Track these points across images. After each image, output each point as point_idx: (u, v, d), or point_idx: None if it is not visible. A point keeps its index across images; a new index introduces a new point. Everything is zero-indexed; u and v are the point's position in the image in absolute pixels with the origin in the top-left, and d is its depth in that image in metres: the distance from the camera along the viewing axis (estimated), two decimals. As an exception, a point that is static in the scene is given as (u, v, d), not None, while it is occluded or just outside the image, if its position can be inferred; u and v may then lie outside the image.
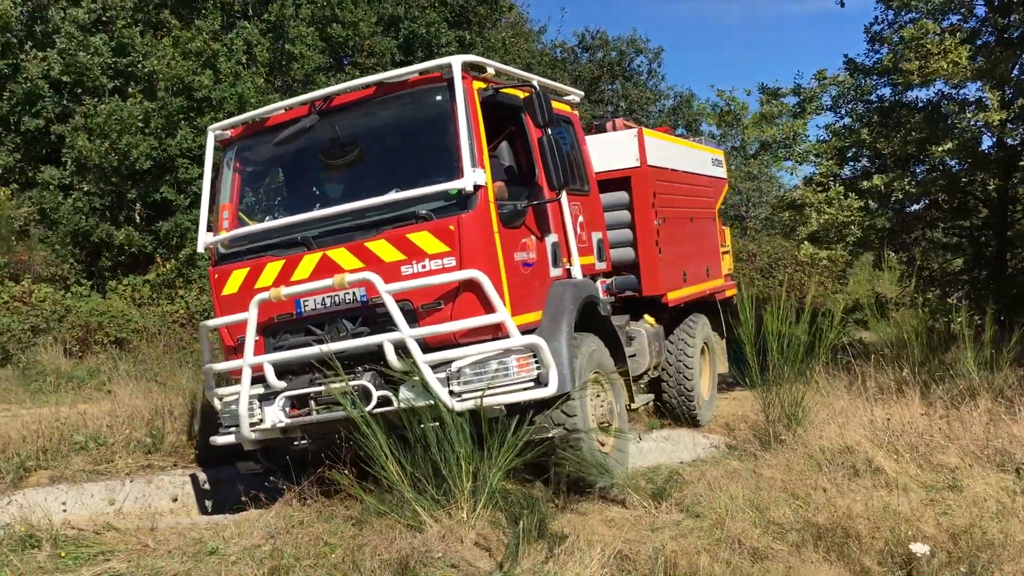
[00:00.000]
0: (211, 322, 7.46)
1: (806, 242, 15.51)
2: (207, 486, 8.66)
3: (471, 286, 6.52)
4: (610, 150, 9.56)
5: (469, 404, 6.39)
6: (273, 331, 7.11)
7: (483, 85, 7.14)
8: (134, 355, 13.56)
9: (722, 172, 12.40)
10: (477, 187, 6.62)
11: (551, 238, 7.56)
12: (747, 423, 9.58)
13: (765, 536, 5.70)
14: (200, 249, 7.66)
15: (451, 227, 6.58)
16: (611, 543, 5.74)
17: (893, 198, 13.65)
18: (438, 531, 6.03)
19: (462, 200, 6.62)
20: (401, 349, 6.53)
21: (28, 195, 16.84)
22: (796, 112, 15.64)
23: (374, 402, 6.55)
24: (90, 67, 16.61)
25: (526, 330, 6.85)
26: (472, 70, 7.16)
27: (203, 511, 8.46)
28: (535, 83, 7.61)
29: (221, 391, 7.44)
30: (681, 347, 10.43)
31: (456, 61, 6.85)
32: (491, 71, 7.31)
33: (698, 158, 11.44)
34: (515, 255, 7.00)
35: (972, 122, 12.08)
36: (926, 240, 15.63)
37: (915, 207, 14.25)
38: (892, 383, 9.95)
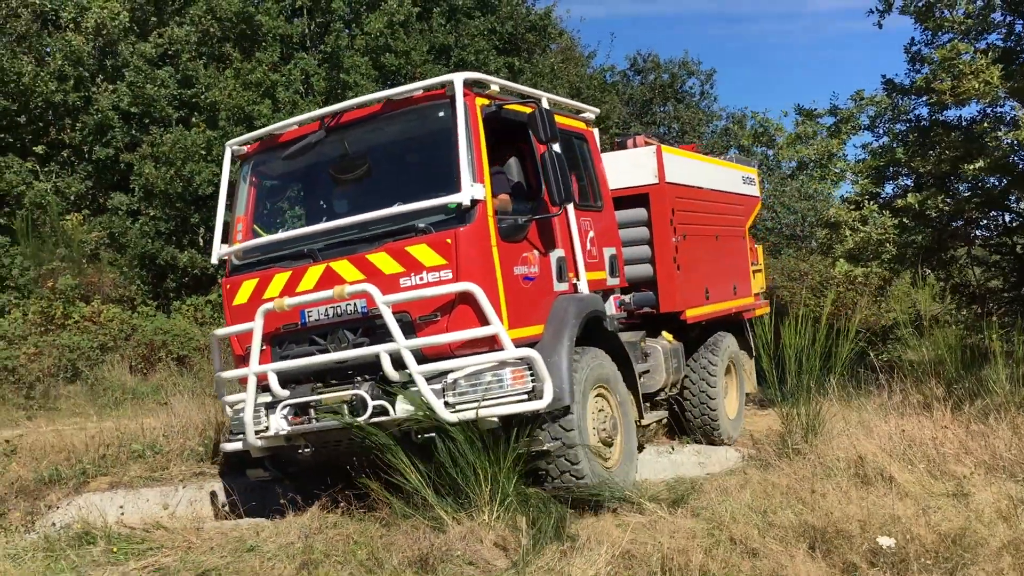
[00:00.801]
0: (221, 331, 7.80)
1: (841, 260, 15.62)
2: (253, 491, 9.17)
3: (466, 298, 6.66)
4: (629, 167, 9.65)
5: (465, 415, 6.57)
6: (279, 341, 7.34)
7: (486, 102, 7.30)
8: (194, 371, 14.25)
9: (754, 190, 12.36)
10: (475, 201, 6.79)
11: (556, 253, 7.69)
12: (774, 436, 9.84)
13: (762, 537, 6.00)
14: (214, 260, 7.95)
15: (448, 240, 6.74)
16: (619, 543, 6.10)
17: (928, 216, 13.72)
18: (459, 532, 6.44)
19: (461, 214, 6.79)
20: (397, 360, 6.69)
21: (99, 220, 17.66)
22: (832, 132, 15.79)
23: (369, 412, 6.73)
24: (157, 98, 17.44)
25: (527, 343, 6.98)
26: (476, 87, 7.35)
27: (248, 514, 8.98)
28: (544, 100, 7.78)
29: (230, 398, 7.72)
30: (704, 365, 10.39)
31: (458, 78, 7.05)
32: (495, 88, 7.49)
33: (726, 176, 11.45)
34: (515, 269, 7.12)
35: (1005, 141, 12.15)
36: (969, 258, 15.64)
37: (955, 224, 14.26)
38: (923, 399, 10.13)
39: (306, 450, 7.31)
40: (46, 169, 17.64)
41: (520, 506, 6.70)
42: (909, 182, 15.46)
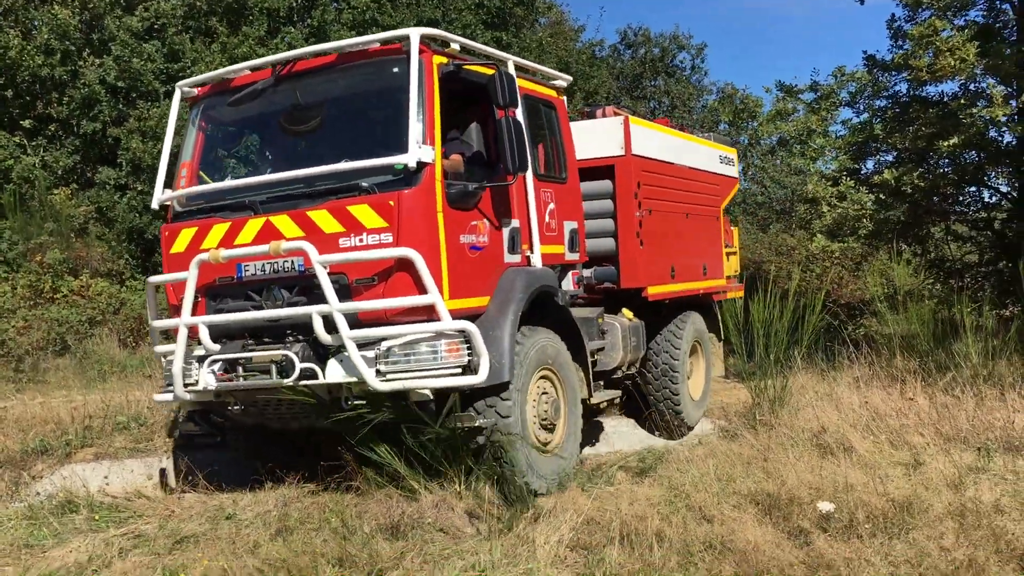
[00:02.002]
0: (155, 278, 7.59)
1: (819, 235, 15.80)
2: (238, 462, 9.36)
3: (405, 265, 6.43)
4: (597, 138, 9.35)
5: (395, 385, 6.43)
6: (215, 294, 7.11)
7: (444, 60, 7.01)
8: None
9: (732, 170, 12.06)
10: (422, 164, 6.54)
11: (511, 223, 7.47)
12: (744, 409, 10.08)
13: (719, 504, 6.23)
14: (154, 205, 7.68)
15: (391, 202, 6.49)
16: (584, 511, 6.32)
17: (904, 192, 13.88)
18: (431, 500, 6.66)
19: (407, 176, 6.54)
20: (331, 323, 6.47)
21: (87, 195, 17.75)
22: (813, 108, 15.89)
23: (296, 374, 6.55)
24: (143, 72, 17.47)
25: (470, 316, 6.80)
26: (435, 44, 7.06)
27: (229, 483, 9.18)
28: (509, 64, 7.63)
29: (160, 348, 7.54)
30: (667, 345, 10.12)
31: (415, 33, 6.75)
32: (455, 46, 7.17)
33: (700, 153, 11.15)
34: (461, 237, 6.91)
35: (979, 117, 12.30)
36: (947, 233, 15.83)
37: (932, 200, 14.43)
38: (895, 372, 10.36)
39: (236, 407, 7.17)
40: (33, 143, 17.72)
41: (487, 477, 6.80)
42: (890, 158, 15.64)
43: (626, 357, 9.19)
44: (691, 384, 10.60)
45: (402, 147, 6.52)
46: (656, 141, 9.94)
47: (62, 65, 17.61)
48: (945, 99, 14.47)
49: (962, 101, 13.23)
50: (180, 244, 7.28)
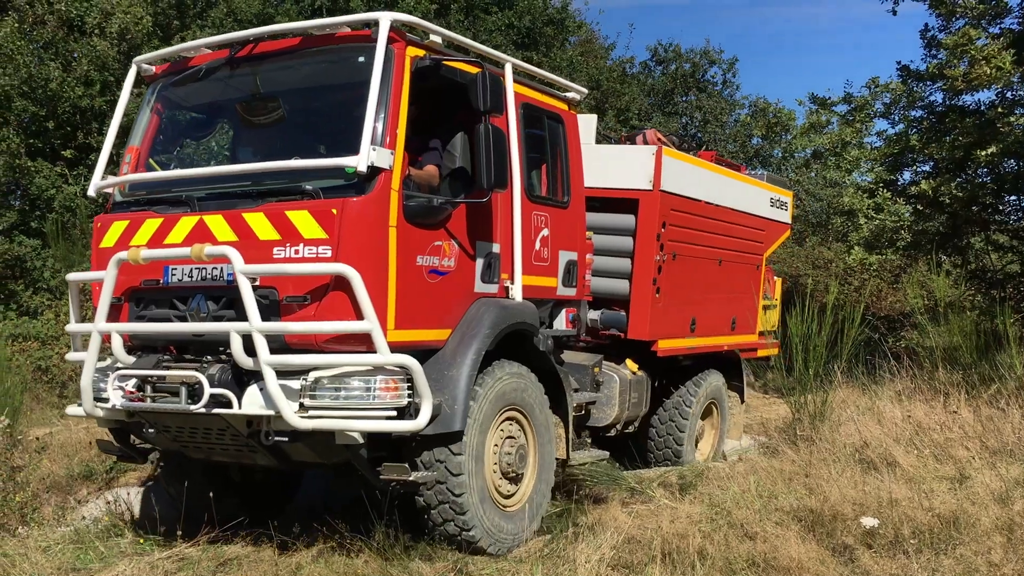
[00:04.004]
0: (75, 275, 6.83)
1: (856, 247, 15.66)
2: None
3: (342, 283, 5.54)
4: (625, 166, 8.48)
5: (318, 423, 5.58)
6: (139, 298, 6.27)
7: (421, 54, 6.13)
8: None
9: (784, 215, 10.87)
10: (376, 169, 5.68)
11: (487, 247, 6.58)
12: (785, 424, 10.01)
13: (761, 521, 6.18)
14: (90, 192, 6.89)
15: (333, 210, 5.63)
16: (624, 529, 6.30)
17: (942, 203, 13.75)
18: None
19: (358, 183, 5.69)
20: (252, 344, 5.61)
21: (127, 222, 17.99)
22: (847, 120, 15.81)
23: (204, 399, 5.65)
24: (180, 102, 17.74)
25: (424, 350, 6.01)
26: (412, 33, 6.21)
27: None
28: (508, 66, 6.88)
29: (72, 356, 6.72)
30: (677, 403, 9.18)
31: (385, 18, 5.87)
32: (436, 39, 6.30)
33: (747, 194, 10.06)
34: (419, 258, 6.01)
35: (1018, 126, 12.17)
36: (987, 243, 15.65)
37: (971, 210, 14.27)
38: (938, 385, 10.24)
39: (150, 430, 6.26)
40: (75, 173, 18.02)
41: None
42: (927, 168, 15.51)
43: (622, 414, 8.29)
44: (700, 449, 9.71)
45: (356, 148, 5.66)
46: (692, 177, 8.97)
47: (101, 95, 17.87)
48: (982, 108, 14.35)
49: (999, 109, 13.10)
50: (110, 238, 6.47)
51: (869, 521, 5.65)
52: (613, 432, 8.59)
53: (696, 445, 9.59)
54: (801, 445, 8.35)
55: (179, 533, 6.49)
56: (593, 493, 7.79)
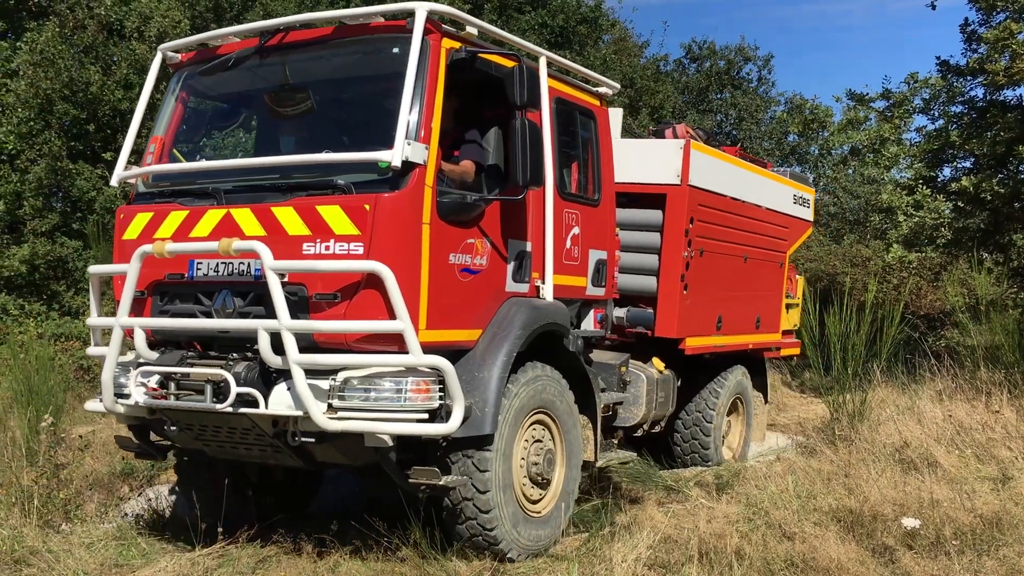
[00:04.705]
0: (96, 268, 6.62)
1: (895, 245, 15.46)
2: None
3: (374, 282, 5.38)
4: (652, 161, 8.32)
5: (347, 425, 5.42)
6: (163, 292, 6.12)
7: (457, 46, 5.96)
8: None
9: (806, 213, 10.83)
10: (410, 164, 5.50)
11: (519, 246, 6.43)
12: (822, 423, 9.93)
13: (799, 521, 6.13)
14: (113, 182, 6.69)
15: (366, 206, 5.45)
16: (661, 528, 6.28)
17: (984, 199, 13.55)
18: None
19: (392, 178, 5.51)
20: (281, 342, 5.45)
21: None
22: (885, 116, 15.63)
23: (230, 399, 5.50)
24: (217, 104, 17.93)
25: (455, 351, 5.87)
26: (449, 25, 6.05)
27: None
28: (542, 59, 6.67)
29: (92, 351, 6.54)
30: (704, 399, 9.14)
31: (421, 8, 5.67)
32: (472, 31, 6.07)
33: (771, 190, 9.99)
34: (451, 256, 5.86)
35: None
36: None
37: (1013, 206, 14.05)
38: (979, 384, 10.11)
39: (172, 428, 6.10)
40: (115, 175, 18.28)
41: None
42: (967, 165, 15.29)
43: (649, 414, 8.18)
44: (727, 444, 9.71)
45: (389, 142, 5.46)
46: (720, 173, 8.86)
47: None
48: (1020, 103, 14.13)
49: (1040, 104, 12.91)
50: (133, 230, 6.29)
51: (910, 522, 5.59)
52: (640, 432, 8.52)
53: (723, 441, 9.54)
54: (840, 445, 8.28)
55: (220, 530, 6.51)
56: (630, 492, 7.78)
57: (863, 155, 16.21)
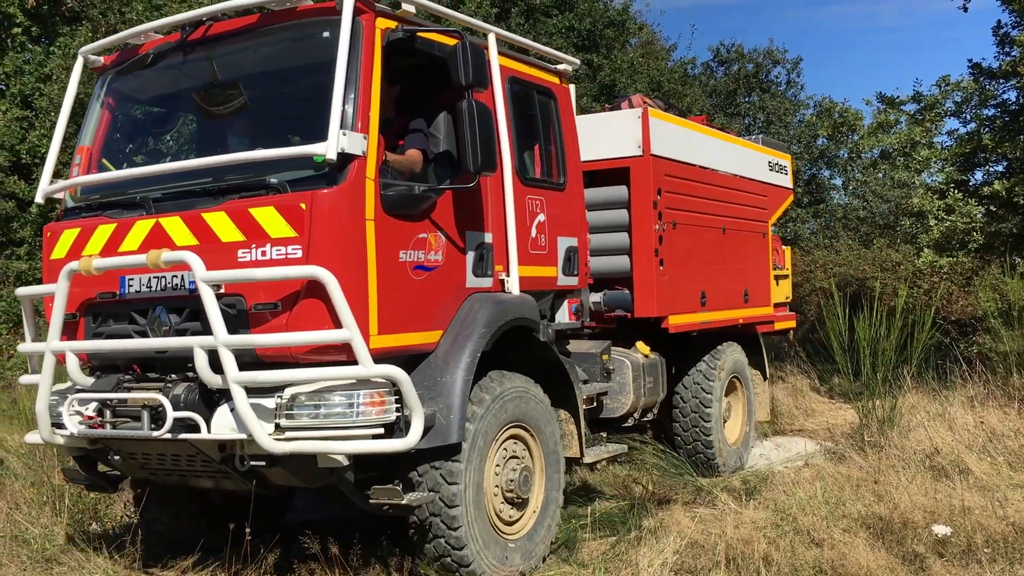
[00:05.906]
0: (24, 290, 6.07)
1: (926, 250, 15.31)
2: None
3: (316, 288, 4.95)
4: (611, 135, 7.91)
5: (295, 446, 4.95)
6: (96, 312, 5.69)
7: (393, 25, 5.53)
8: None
9: (785, 180, 10.41)
10: (348, 157, 5.06)
11: (478, 238, 6.00)
12: (851, 429, 9.82)
13: (828, 528, 6.08)
14: (38, 199, 6.18)
15: (302, 205, 5.02)
16: (688, 533, 6.25)
17: (1017, 203, 13.38)
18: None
19: (329, 172, 5.05)
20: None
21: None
22: (916, 120, 15.49)
23: (168, 424, 5.05)
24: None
25: (413, 356, 5.50)
26: (382, 3, 5.65)
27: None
28: (491, 36, 6.33)
29: (24, 379, 6.04)
30: (698, 380, 8.75)
31: None
32: (409, 8, 5.72)
33: (744, 158, 9.58)
34: (401, 253, 5.41)
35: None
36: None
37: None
38: (1012, 391, 9.98)
39: (116, 458, 5.73)
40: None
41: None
42: (1000, 168, 15.12)
43: (638, 401, 7.87)
44: (728, 427, 9.32)
45: (323, 134, 5.01)
46: (684, 141, 8.43)
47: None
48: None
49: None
50: (61, 248, 5.87)
51: (941, 529, 5.53)
52: (631, 422, 8.14)
53: (724, 424, 9.23)
54: (869, 451, 8.20)
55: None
56: (657, 495, 7.75)
57: (893, 159, 16.05)
